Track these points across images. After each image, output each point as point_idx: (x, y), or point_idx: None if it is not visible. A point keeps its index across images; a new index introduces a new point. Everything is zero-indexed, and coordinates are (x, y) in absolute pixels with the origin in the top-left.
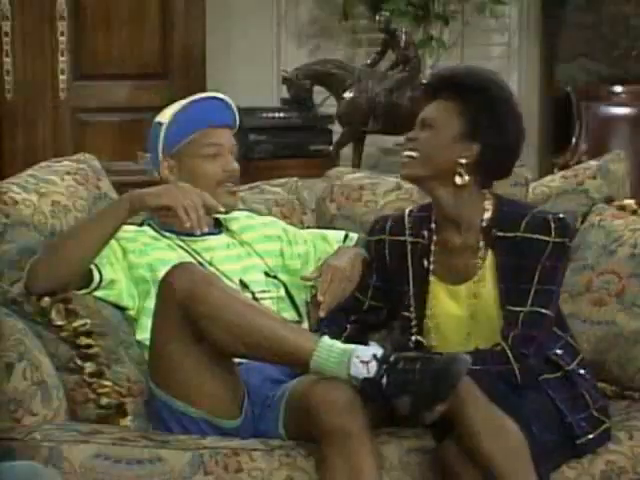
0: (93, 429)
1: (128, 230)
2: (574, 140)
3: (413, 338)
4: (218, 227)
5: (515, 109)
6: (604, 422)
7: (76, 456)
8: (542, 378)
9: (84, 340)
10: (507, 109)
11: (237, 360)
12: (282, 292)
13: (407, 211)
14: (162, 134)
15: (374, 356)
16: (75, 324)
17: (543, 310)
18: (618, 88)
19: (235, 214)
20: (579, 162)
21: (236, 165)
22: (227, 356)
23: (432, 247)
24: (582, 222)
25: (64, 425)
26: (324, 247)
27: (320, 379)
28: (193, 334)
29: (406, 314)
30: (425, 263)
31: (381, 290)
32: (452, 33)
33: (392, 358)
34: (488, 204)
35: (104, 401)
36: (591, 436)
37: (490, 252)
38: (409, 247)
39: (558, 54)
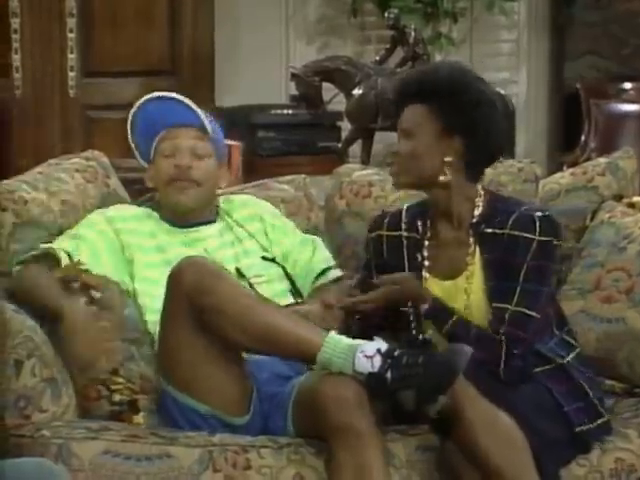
0: (102, 426)
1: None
2: (583, 137)
3: (421, 336)
4: (214, 214)
5: (486, 91)
6: (602, 415)
7: (85, 453)
8: (537, 370)
9: None
10: (477, 94)
11: (246, 356)
12: (281, 274)
13: (405, 207)
14: (132, 145)
15: (378, 351)
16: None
17: (528, 311)
18: (627, 85)
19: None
20: (588, 159)
21: (187, 162)
22: (235, 350)
23: (425, 241)
24: (592, 219)
25: (73, 422)
26: (305, 256)
27: (328, 376)
28: (201, 327)
29: (404, 309)
30: (419, 257)
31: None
32: (461, 30)
33: (396, 353)
34: (479, 200)
35: (117, 398)
36: (590, 426)
37: (478, 248)
38: (405, 242)
39: (567, 51)
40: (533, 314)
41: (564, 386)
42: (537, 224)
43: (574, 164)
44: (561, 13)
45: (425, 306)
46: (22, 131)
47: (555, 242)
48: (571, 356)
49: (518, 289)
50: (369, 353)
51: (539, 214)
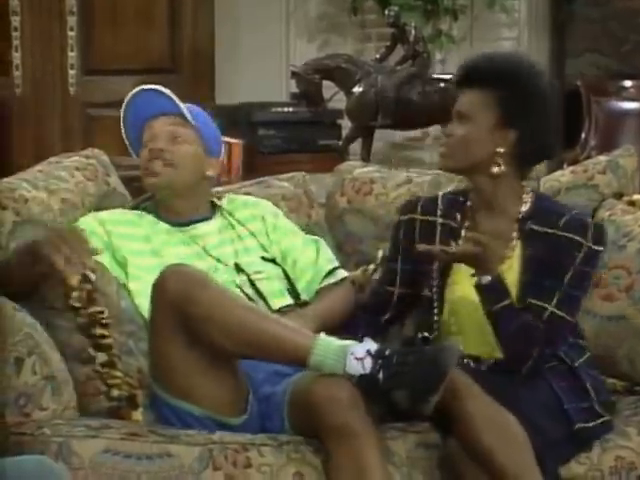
0: (103, 424)
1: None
2: (583, 135)
3: (419, 335)
4: (213, 210)
5: (548, 87)
6: (603, 415)
7: (85, 451)
8: (545, 366)
9: (99, 330)
10: (540, 88)
11: None
12: (280, 274)
13: (441, 193)
14: (127, 142)
15: (368, 352)
16: (91, 310)
17: (568, 317)
18: (627, 83)
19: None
20: (588, 157)
21: (161, 145)
22: (226, 356)
23: (463, 231)
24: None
25: (74, 420)
26: (307, 257)
27: (321, 376)
28: (189, 336)
29: (428, 294)
30: (453, 246)
31: (408, 273)
32: (461, 28)
33: (387, 352)
34: (527, 197)
35: (115, 393)
36: (589, 424)
37: (520, 244)
38: (439, 228)
39: (567, 49)
40: (571, 320)
41: (568, 384)
42: (590, 231)
43: (574, 162)
44: (561, 10)
45: (488, 278)
46: (22, 129)
47: (601, 252)
48: (581, 360)
49: (561, 291)
50: (359, 355)
51: (591, 221)
